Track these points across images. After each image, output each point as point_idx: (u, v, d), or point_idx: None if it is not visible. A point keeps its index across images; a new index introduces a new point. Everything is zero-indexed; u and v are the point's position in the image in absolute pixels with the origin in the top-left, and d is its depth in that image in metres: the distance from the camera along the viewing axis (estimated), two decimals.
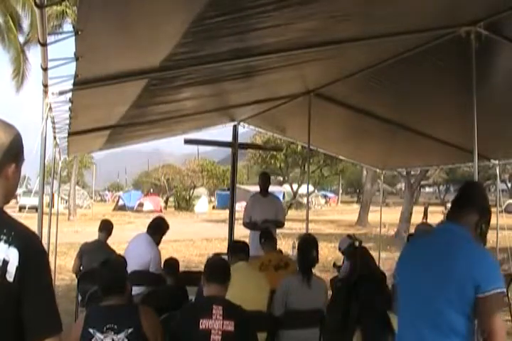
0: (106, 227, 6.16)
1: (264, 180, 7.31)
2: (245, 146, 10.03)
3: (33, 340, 1.46)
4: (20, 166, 1.61)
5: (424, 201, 37.97)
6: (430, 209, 30.25)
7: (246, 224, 7.08)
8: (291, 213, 29.81)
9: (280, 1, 2.92)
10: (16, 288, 1.44)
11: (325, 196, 58.35)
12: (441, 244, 2.30)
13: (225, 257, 4.40)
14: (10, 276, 1.44)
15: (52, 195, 13.08)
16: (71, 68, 2.88)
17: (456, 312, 2.11)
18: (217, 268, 3.21)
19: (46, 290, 1.52)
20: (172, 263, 5.02)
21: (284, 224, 7.25)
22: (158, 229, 5.51)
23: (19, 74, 19.85)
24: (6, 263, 1.44)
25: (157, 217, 5.85)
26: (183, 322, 3.03)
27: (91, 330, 2.81)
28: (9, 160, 1.56)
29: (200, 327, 2.92)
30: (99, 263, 3.20)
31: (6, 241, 1.45)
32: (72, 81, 3.14)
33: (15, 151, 1.57)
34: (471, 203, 2.33)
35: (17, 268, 1.44)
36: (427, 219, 25.31)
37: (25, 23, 19.42)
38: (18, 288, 1.44)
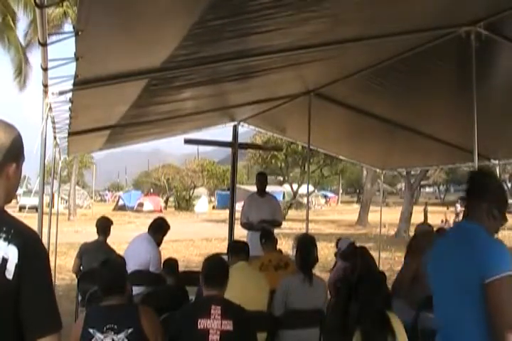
0: (104, 225, 6.11)
1: (261, 180, 7.28)
2: (245, 146, 10.02)
3: (32, 338, 1.46)
4: (20, 166, 1.62)
5: (424, 201, 37.98)
6: (430, 209, 30.27)
7: (243, 224, 7.05)
8: (291, 213, 29.84)
9: (280, 6, 2.93)
10: (15, 286, 1.44)
11: (325, 196, 58.36)
12: (451, 243, 2.30)
13: (225, 257, 4.40)
14: (9, 274, 1.44)
15: (53, 195, 13.09)
16: (71, 68, 2.88)
17: (472, 307, 2.08)
18: (216, 268, 3.21)
19: (45, 289, 1.52)
20: (171, 263, 5.02)
21: (281, 223, 7.24)
22: (159, 229, 5.52)
23: (21, 74, 19.86)
24: (5, 261, 1.44)
25: (158, 218, 5.85)
26: (182, 322, 3.03)
27: (91, 330, 2.81)
28: (10, 160, 1.56)
29: (199, 326, 2.92)
30: (99, 263, 3.19)
31: (5, 239, 1.45)
32: (72, 81, 3.14)
33: (15, 151, 1.58)
34: (478, 195, 2.27)
35: (16, 266, 1.44)
36: (426, 219, 25.33)
37: (26, 23, 19.46)
38: (17, 286, 1.44)
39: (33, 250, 1.50)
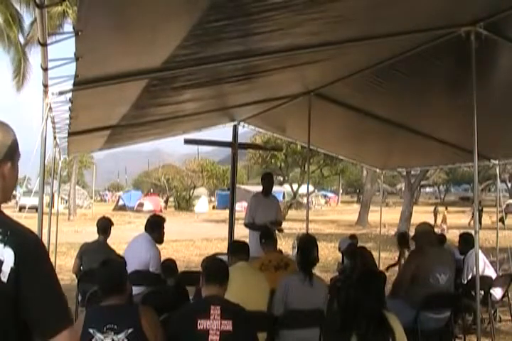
0: (104, 225, 6.12)
1: (269, 181, 7.27)
2: (245, 146, 10.01)
3: (47, 336, 1.46)
4: (16, 164, 1.61)
5: (436, 203, 37.85)
6: (429, 209, 30.26)
7: (248, 225, 7.03)
8: (291, 213, 29.83)
9: (281, 7, 2.93)
10: (10, 289, 1.43)
11: (325, 196, 58.39)
12: None
13: (225, 257, 4.40)
14: (4, 276, 1.43)
15: (53, 195, 13.09)
16: (71, 68, 2.88)
17: None
18: (216, 269, 3.21)
19: (49, 287, 1.50)
20: (169, 264, 4.99)
21: (282, 223, 7.30)
22: (155, 225, 5.48)
23: (19, 74, 19.87)
24: (0, 263, 1.43)
25: (150, 216, 5.85)
26: (181, 323, 3.03)
27: (91, 330, 2.80)
28: (5, 159, 1.55)
29: (198, 327, 2.91)
30: (99, 263, 3.19)
31: (1, 241, 1.44)
32: (72, 81, 3.14)
33: (10, 150, 1.57)
34: None
35: (12, 269, 1.43)
36: (436, 221, 25.24)
37: (26, 23, 19.47)
38: (13, 288, 1.43)
39: (30, 252, 1.48)
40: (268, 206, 7.03)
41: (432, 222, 22.32)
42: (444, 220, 23.76)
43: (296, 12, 3.09)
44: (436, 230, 9.15)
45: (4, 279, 1.43)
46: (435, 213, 27.84)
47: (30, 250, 1.49)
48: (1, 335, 1.45)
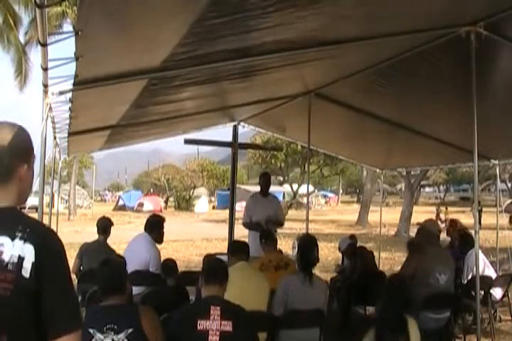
0: (104, 225, 6.11)
1: (266, 181, 7.27)
2: (245, 146, 10.00)
3: (52, 336, 1.45)
4: (32, 165, 1.63)
5: (438, 203, 37.72)
6: (430, 209, 30.23)
7: (246, 224, 7.04)
8: (291, 213, 29.81)
9: (281, 2, 2.92)
10: (32, 284, 1.44)
11: (325, 196, 58.38)
12: None
13: (225, 257, 4.40)
14: (26, 272, 1.44)
15: (53, 195, 13.08)
16: (71, 68, 2.89)
17: None
18: (216, 270, 3.21)
19: (64, 286, 1.51)
20: (169, 264, 5.00)
21: (283, 223, 7.25)
22: (154, 225, 5.47)
23: (21, 74, 19.88)
24: (21, 259, 1.44)
25: (151, 215, 5.85)
26: (181, 323, 3.03)
27: (91, 330, 2.80)
28: (21, 161, 1.57)
29: (198, 328, 2.91)
30: (99, 263, 3.19)
31: (21, 238, 1.46)
32: (72, 81, 3.14)
33: (26, 152, 1.59)
34: None
35: (33, 264, 1.44)
36: (438, 220, 25.21)
37: (26, 23, 19.47)
38: (35, 284, 1.44)
39: (49, 248, 1.49)
40: (266, 205, 7.01)
41: None
42: (446, 221, 23.75)
43: (296, 9, 3.08)
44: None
45: (26, 275, 1.43)
46: (438, 213, 27.77)
47: (50, 246, 1.50)
48: (23, 333, 1.45)
